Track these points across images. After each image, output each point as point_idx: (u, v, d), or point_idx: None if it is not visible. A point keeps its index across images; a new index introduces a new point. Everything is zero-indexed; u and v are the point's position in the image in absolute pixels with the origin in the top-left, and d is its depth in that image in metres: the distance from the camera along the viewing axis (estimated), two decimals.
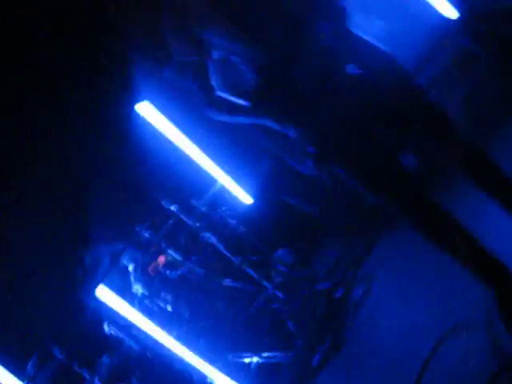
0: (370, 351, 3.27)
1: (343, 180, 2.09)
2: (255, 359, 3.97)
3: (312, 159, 1.96)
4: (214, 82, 1.96)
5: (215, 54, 1.95)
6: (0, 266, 4.32)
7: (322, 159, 1.96)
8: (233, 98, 1.96)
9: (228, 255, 4.00)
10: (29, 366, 4.22)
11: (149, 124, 3.83)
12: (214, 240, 3.96)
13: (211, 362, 3.84)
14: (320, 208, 4.24)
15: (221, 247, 3.98)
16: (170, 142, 3.92)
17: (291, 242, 4.46)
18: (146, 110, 3.75)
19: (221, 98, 1.98)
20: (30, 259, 4.60)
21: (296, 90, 1.94)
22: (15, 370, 4.25)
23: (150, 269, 4.30)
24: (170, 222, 4.12)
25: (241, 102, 1.95)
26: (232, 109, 1.97)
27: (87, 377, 4.17)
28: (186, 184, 4.38)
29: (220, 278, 4.25)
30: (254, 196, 4.30)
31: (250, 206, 4.33)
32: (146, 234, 4.20)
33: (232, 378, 3.84)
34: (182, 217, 3.98)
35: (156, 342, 3.86)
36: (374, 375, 3.04)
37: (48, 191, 4.23)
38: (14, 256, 4.18)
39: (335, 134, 1.94)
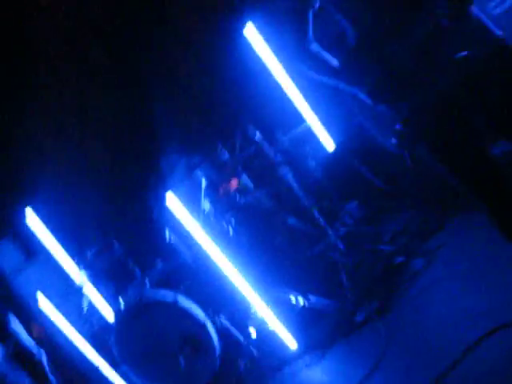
0: (415, 324, 3.25)
1: (425, 161, 2.00)
2: (301, 301, 4.02)
3: (397, 136, 1.88)
4: (310, 33, 1.88)
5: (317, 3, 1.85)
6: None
7: (407, 138, 1.87)
8: (326, 55, 1.87)
9: (300, 195, 3.98)
10: (88, 254, 4.47)
11: (253, 49, 3.79)
12: (289, 176, 3.94)
13: (258, 291, 3.92)
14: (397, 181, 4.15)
15: (295, 185, 3.96)
16: (269, 71, 3.88)
17: (364, 198, 4.40)
18: (251, 33, 3.71)
19: (314, 52, 1.89)
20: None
21: (394, 64, 1.83)
22: (75, 255, 4.52)
23: (220, 189, 4.36)
24: (252, 148, 4.12)
25: (333, 61, 1.86)
26: (323, 67, 1.89)
27: (138, 276, 4.37)
28: (276, 116, 4.35)
29: (286, 215, 4.26)
30: (338, 146, 4.23)
31: (332, 154, 4.26)
32: (226, 155, 4.23)
33: (274, 312, 3.91)
34: (264, 146, 3.97)
35: (210, 259, 3.95)
36: (411, 349, 3.03)
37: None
38: None
39: (427, 116, 1.84)
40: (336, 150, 4.19)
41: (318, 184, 4.21)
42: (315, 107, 4.01)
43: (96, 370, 4.47)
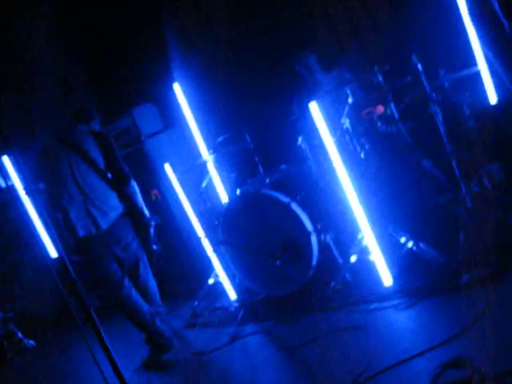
0: None
1: None
2: (410, 244, 3.94)
3: None
4: None
5: None
6: None
7: None
8: None
9: (444, 139, 3.80)
10: (219, 138, 4.65)
11: None
12: (439, 117, 3.75)
13: (371, 220, 3.87)
14: None
15: (441, 128, 3.78)
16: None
17: (508, 165, 4.12)
18: None
19: None
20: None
21: None
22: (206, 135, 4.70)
23: (364, 111, 4.26)
24: (408, 78, 3.94)
25: None
26: None
27: (261, 172, 4.43)
28: (444, 52, 4.11)
29: (422, 156, 4.11)
30: (499, 102, 3.94)
31: (490, 108, 3.99)
32: (379, 79, 4.09)
33: (379, 245, 3.87)
34: (422, 79, 3.78)
35: (333, 176, 3.93)
36: (506, 327, 2.88)
37: None
38: None
39: None
40: (497, 105, 3.91)
41: (466, 134, 3.98)
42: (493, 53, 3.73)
43: (197, 242, 4.72)
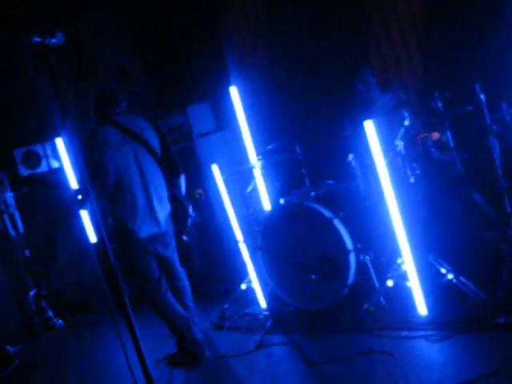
0: None
1: None
2: (450, 276, 3.85)
3: None
4: None
5: None
6: None
7: None
8: None
9: (499, 174, 3.71)
10: (268, 146, 4.62)
11: None
12: (496, 150, 3.66)
13: (413, 246, 3.80)
14: None
15: (497, 161, 3.69)
16: None
17: None
18: None
19: None
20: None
21: None
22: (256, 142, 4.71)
23: (420, 136, 4.21)
24: (469, 108, 3.87)
25: None
26: None
27: (306, 184, 4.40)
28: (510, 85, 4.03)
29: (472, 189, 4.03)
30: None
31: None
32: (439, 105, 4.03)
33: (418, 272, 3.80)
34: (484, 110, 3.70)
35: (380, 197, 3.88)
36: None
37: None
38: None
39: None
40: None
41: None
42: None
43: (235, 246, 4.73)
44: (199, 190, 5.43)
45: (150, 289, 4.02)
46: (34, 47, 2.22)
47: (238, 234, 4.67)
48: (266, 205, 5.00)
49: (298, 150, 4.71)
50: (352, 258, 4.03)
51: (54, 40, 2.24)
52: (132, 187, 3.88)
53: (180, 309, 4.11)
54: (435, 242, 4.04)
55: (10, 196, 6.15)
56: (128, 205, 3.88)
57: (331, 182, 4.70)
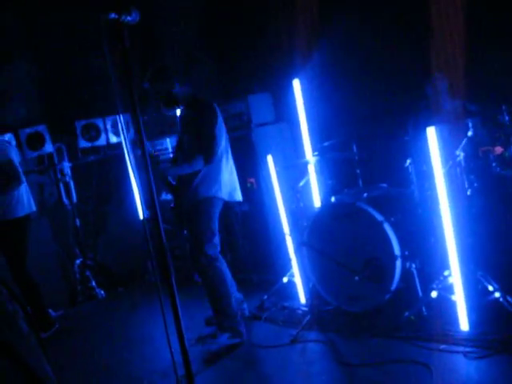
0: None
1: None
2: (497, 294, 3.75)
3: None
4: None
5: None
6: None
7: None
8: None
9: None
10: (325, 143, 4.57)
11: None
12: None
13: (462, 260, 3.72)
14: None
15: None
16: None
17: None
18: None
19: None
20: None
21: None
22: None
23: (482, 149, 4.09)
24: None
25: None
26: None
27: (359, 185, 4.34)
28: None
29: None
30: None
31: None
32: (506, 118, 3.92)
33: (465, 287, 3.72)
34: None
35: (434, 205, 3.81)
36: None
37: None
38: None
39: None
40: None
41: None
42: None
43: (282, 238, 4.74)
44: (251, 179, 5.45)
45: (218, 253, 4.22)
46: (109, 23, 2.27)
47: (286, 227, 4.67)
48: (317, 201, 4.98)
49: (354, 149, 4.66)
50: (398, 264, 3.98)
51: (129, 18, 2.29)
52: (223, 159, 4.28)
53: (234, 284, 4.31)
54: (486, 258, 3.94)
55: (66, 166, 6.33)
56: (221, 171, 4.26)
57: (385, 185, 4.64)
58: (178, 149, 4.56)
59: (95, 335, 5.19)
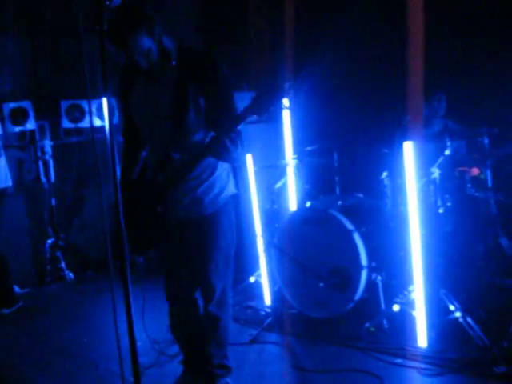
0: None
1: None
2: (458, 314, 3.76)
3: None
4: None
5: None
6: None
7: None
8: None
9: None
10: (306, 147, 4.56)
11: None
12: None
13: (427, 277, 3.74)
14: None
15: None
16: None
17: None
18: None
19: None
20: None
21: None
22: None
23: (458, 169, 4.13)
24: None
25: None
26: None
27: (336, 193, 4.35)
28: None
29: (502, 232, 3.94)
30: None
31: None
32: (485, 142, 3.96)
33: (427, 304, 3.74)
34: None
35: (405, 221, 3.83)
36: None
37: None
38: None
39: None
40: None
41: None
42: None
43: (252, 238, 4.73)
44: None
45: None
46: (91, 5, 2.25)
47: (258, 228, 4.67)
48: (292, 204, 4.98)
49: (335, 157, 4.67)
50: (364, 274, 3.99)
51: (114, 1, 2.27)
52: None
53: None
54: (450, 278, 3.97)
55: (48, 144, 6.27)
56: None
57: (361, 195, 4.66)
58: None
59: (58, 317, 5.15)
